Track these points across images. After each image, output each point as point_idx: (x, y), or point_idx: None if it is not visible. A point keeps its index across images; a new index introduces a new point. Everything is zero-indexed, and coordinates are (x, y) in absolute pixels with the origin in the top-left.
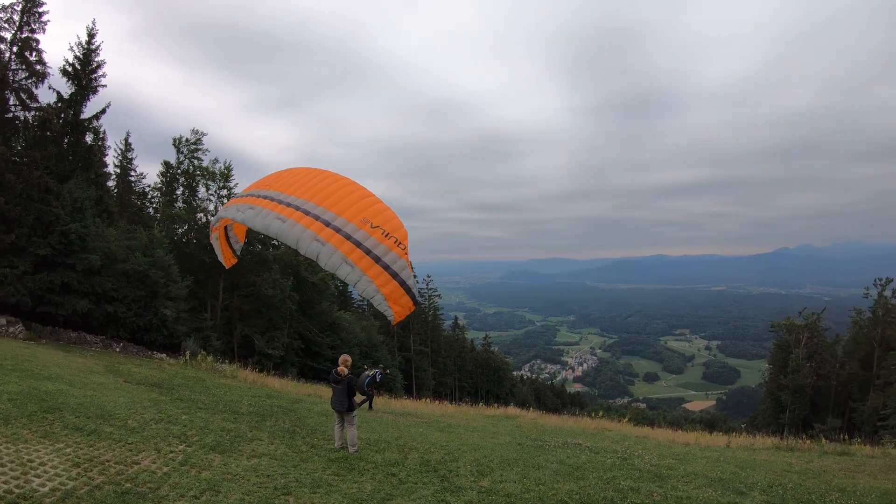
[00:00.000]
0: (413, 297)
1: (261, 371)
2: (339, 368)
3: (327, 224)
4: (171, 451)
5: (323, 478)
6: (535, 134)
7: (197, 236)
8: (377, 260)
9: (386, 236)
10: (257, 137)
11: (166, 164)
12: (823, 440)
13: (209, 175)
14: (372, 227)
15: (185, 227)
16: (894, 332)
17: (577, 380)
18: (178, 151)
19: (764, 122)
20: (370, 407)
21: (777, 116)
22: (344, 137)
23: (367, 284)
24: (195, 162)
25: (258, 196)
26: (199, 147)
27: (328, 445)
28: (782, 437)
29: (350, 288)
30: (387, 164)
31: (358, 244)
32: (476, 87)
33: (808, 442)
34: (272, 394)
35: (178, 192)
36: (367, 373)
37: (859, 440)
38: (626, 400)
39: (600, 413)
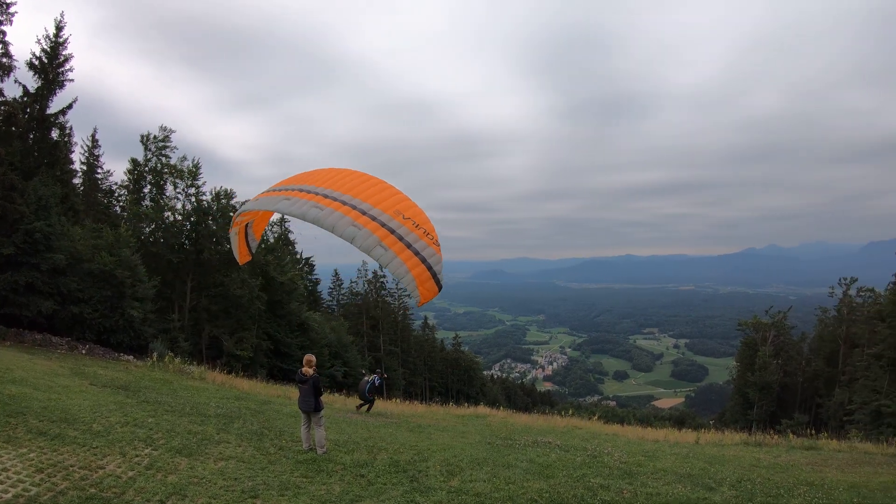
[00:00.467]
0: (438, 282)
1: (229, 373)
2: (303, 369)
3: (363, 213)
4: (137, 455)
5: (291, 480)
6: (506, 135)
7: (164, 235)
8: (408, 246)
9: (416, 227)
10: (225, 135)
11: (134, 161)
12: (791, 435)
13: (177, 173)
14: (404, 219)
15: (153, 226)
16: (859, 330)
17: (547, 379)
18: (146, 149)
19: (731, 126)
20: (368, 410)
21: (744, 120)
22: (313, 136)
23: (399, 266)
24: (163, 159)
25: (291, 189)
26: (168, 144)
27: (296, 447)
28: (750, 432)
29: (320, 287)
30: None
31: (392, 231)
32: (448, 88)
33: (776, 437)
34: (241, 395)
35: (146, 190)
36: (366, 378)
37: (826, 435)
38: (596, 398)
39: (570, 411)
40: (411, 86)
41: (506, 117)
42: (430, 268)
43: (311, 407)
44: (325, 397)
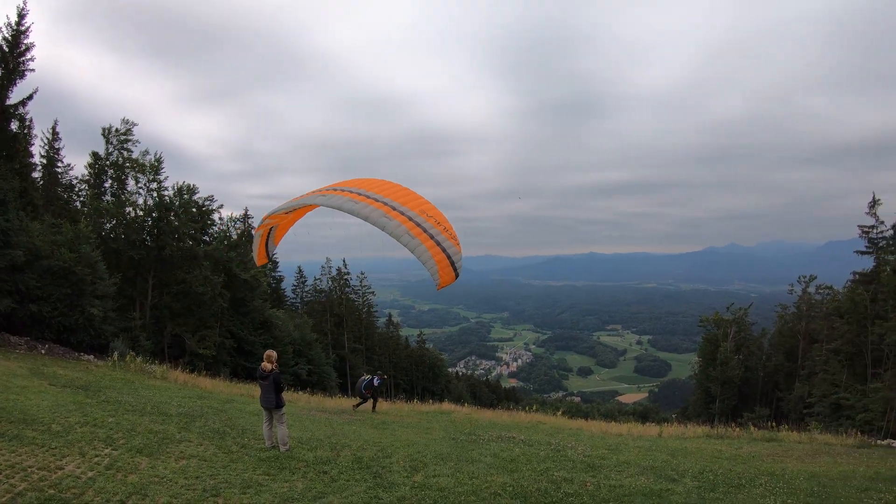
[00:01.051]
0: (456, 270)
1: (192, 371)
2: (264, 364)
3: (393, 209)
4: (97, 456)
5: (253, 478)
6: (472, 133)
7: (125, 231)
8: (431, 237)
9: (438, 223)
10: (189, 129)
11: (95, 155)
12: (752, 427)
13: (139, 167)
14: (428, 217)
15: (114, 222)
16: (818, 326)
17: (512, 375)
18: (108, 142)
19: (695, 128)
20: (373, 409)
21: (708, 122)
22: (278, 131)
23: (424, 252)
24: (125, 153)
25: (326, 189)
26: (130, 138)
27: (259, 445)
28: (713, 426)
29: (284, 284)
30: (321, 159)
31: (418, 224)
32: (415, 84)
33: (738, 430)
34: (203, 394)
35: (107, 184)
36: (364, 377)
37: (787, 427)
38: (560, 394)
39: (535, 407)
40: (379, 82)
41: (472, 115)
42: (449, 257)
43: (273, 404)
44: (289, 395)
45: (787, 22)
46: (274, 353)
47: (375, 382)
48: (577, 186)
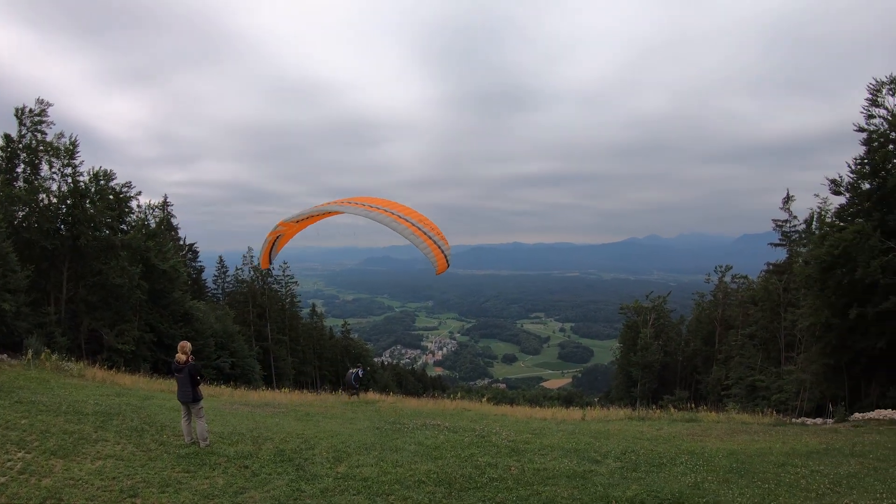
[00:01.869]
0: (447, 260)
1: (111, 368)
2: (177, 356)
3: (399, 216)
4: (10, 460)
5: (172, 476)
6: (396, 121)
7: (38, 220)
8: (429, 237)
9: (432, 228)
10: (106, 111)
11: (7, 137)
12: (672, 409)
13: (53, 151)
14: (425, 224)
15: (26, 210)
16: (733, 313)
17: (437, 364)
18: (21, 124)
19: (620, 123)
20: (357, 396)
21: (632, 118)
22: (200, 115)
23: (424, 246)
24: (38, 136)
25: (342, 202)
26: (44, 119)
27: (178, 442)
28: (634, 408)
29: (205, 275)
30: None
31: (418, 227)
32: (339, 71)
33: (658, 412)
34: (122, 391)
35: (19, 169)
36: (351, 371)
37: (705, 408)
38: (486, 381)
39: (460, 394)
40: (306, 67)
41: (398, 104)
42: (442, 250)
43: (190, 397)
44: (212, 389)
45: (717, 28)
46: (188, 344)
47: (360, 374)
48: (503, 177)
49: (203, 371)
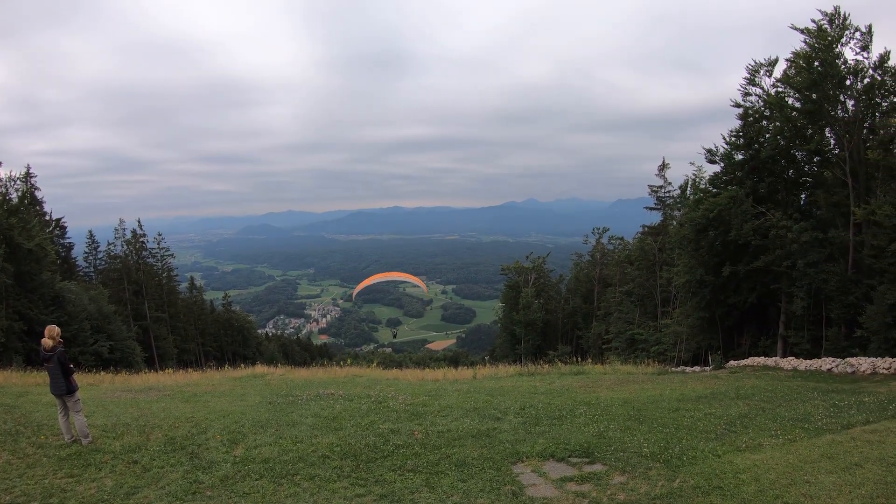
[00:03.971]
0: (426, 287)
1: None
2: (44, 341)
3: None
4: None
5: (55, 483)
6: (275, 83)
7: None
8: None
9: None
10: None
11: None
12: (559, 363)
13: None
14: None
15: None
16: (610, 272)
17: (322, 331)
18: None
19: (500, 90)
20: None
21: (512, 86)
22: (65, 77)
23: (420, 283)
24: None
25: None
26: None
27: (58, 442)
28: (521, 364)
29: (74, 252)
30: (113, 111)
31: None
32: (216, 28)
33: (546, 366)
34: None
35: None
36: None
37: (590, 361)
38: (372, 346)
39: (349, 361)
40: (178, 24)
41: (271, 64)
42: (424, 283)
43: (63, 389)
44: (92, 378)
45: (605, 3)
46: (56, 328)
47: None
48: (383, 141)
49: (79, 358)
